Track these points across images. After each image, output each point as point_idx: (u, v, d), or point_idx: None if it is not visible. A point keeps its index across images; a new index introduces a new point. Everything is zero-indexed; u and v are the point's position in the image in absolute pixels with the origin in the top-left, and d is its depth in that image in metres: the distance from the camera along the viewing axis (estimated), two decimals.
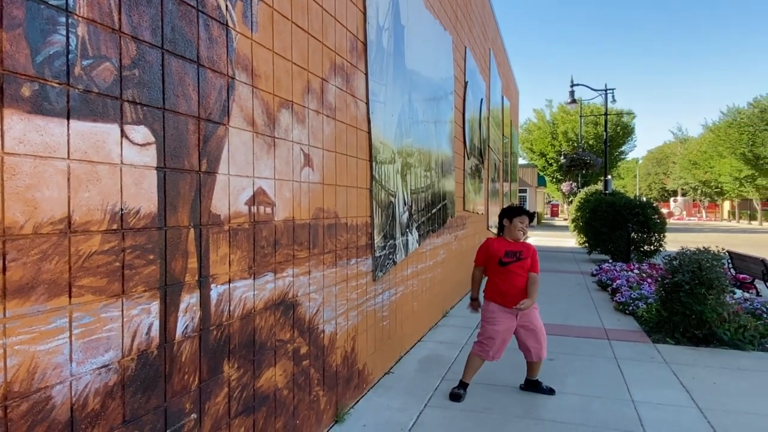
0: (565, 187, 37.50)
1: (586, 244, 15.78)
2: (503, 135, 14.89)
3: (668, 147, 72.62)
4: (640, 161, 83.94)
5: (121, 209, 1.82)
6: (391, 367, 4.78)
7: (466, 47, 8.66)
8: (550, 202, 66.22)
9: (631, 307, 7.45)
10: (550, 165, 45.76)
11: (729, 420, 3.75)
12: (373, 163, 4.26)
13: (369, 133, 4.19)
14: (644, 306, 7.28)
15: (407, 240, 5.25)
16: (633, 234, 13.88)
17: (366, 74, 4.11)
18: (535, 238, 24.67)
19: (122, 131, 1.82)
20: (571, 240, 22.03)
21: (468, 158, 8.90)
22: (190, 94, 2.16)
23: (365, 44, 4.10)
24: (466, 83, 8.66)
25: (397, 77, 4.88)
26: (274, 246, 2.79)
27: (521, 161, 47.38)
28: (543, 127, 46.85)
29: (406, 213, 5.23)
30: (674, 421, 3.74)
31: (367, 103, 4.14)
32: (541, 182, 44.49)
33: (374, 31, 4.28)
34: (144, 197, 1.92)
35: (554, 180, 46.37)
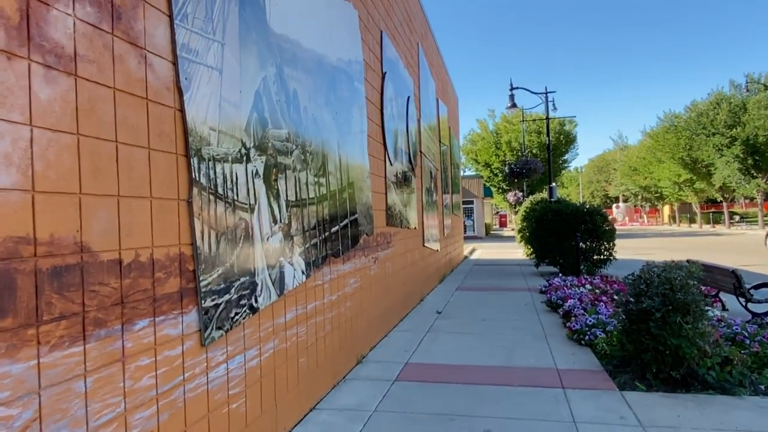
0: (510, 196, 36.90)
1: (534, 256, 14.64)
2: (440, 142, 13.62)
3: (609, 154, 74.35)
4: (583, 170, 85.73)
5: None
6: None
7: (382, 32, 7.26)
8: (498, 212, 66.20)
9: (587, 336, 6.12)
10: (495, 175, 45.30)
11: None
12: (194, 160, 2.70)
13: (182, 111, 2.63)
14: (603, 335, 5.97)
15: (282, 273, 3.70)
16: (581, 243, 12.82)
17: (170, 16, 2.56)
18: (482, 250, 23.58)
19: None
20: (519, 251, 20.98)
21: (391, 164, 7.46)
22: None
23: None
24: (384, 74, 7.25)
25: (248, 38, 3.35)
26: None
27: (467, 172, 46.81)
28: (486, 137, 46.48)
29: (279, 234, 3.68)
30: None
31: (175, 64, 2.59)
32: (488, 193, 43.90)
33: None
34: None
35: (500, 190, 45.95)
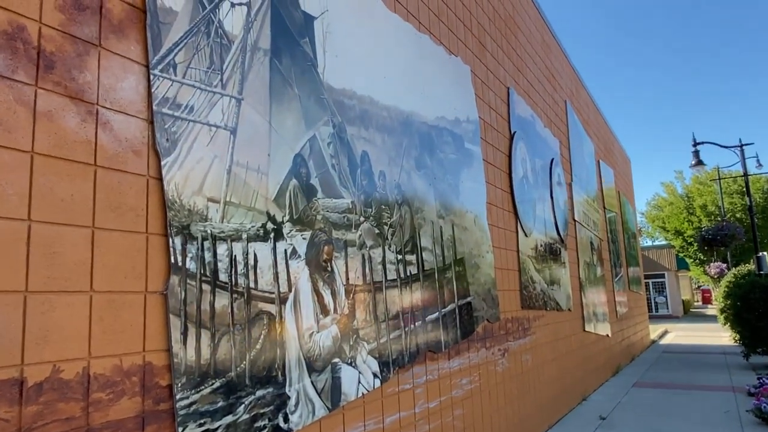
0: (712, 269, 31.54)
1: (741, 343, 11.66)
2: (605, 209, 11.94)
3: None
4: None
5: None
6: None
7: (509, 89, 6.45)
8: (700, 287, 57.41)
9: None
10: (690, 245, 39.55)
11: None
12: (176, 240, 2.13)
13: (159, 179, 2.10)
14: None
15: (337, 378, 2.90)
16: None
17: (147, 65, 2.11)
18: (676, 333, 19.99)
19: None
20: (724, 335, 17.28)
21: (526, 235, 6.36)
22: None
23: (144, 11, 2.13)
24: (513, 134, 6.36)
25: (284, 93, 2.82)
26: None
27: (657, 242, 41.73)
28: (675, 201, 41.28)
29: (333, 328, 2.93)
30: None
31: (151, 122, 2.10)
32: (682, 265, 38.23)
33: None
34: None
35: (697, 262, 39.86)
